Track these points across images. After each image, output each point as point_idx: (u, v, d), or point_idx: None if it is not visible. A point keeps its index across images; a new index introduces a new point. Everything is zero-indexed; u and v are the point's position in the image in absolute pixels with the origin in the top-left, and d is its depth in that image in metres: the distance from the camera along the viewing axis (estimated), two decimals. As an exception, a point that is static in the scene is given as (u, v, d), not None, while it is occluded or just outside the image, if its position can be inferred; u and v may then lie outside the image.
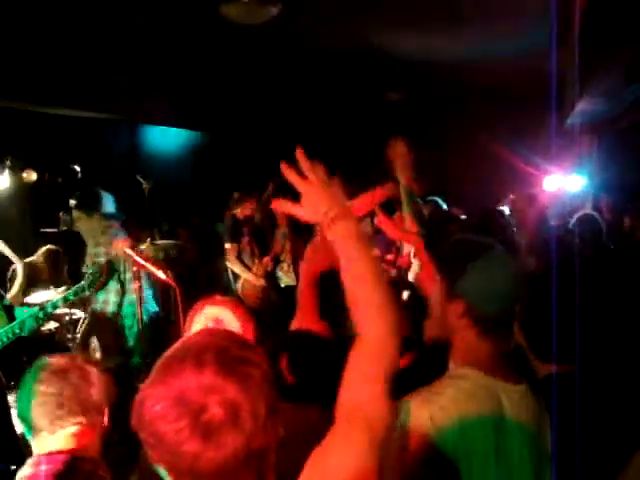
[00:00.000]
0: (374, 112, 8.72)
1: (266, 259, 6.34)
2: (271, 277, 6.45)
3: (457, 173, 8.33)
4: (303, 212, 1.40)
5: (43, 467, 1.72)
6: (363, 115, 8.81)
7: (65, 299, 3.22)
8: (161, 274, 3.41)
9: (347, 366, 1.28)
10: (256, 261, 6.27)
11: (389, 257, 5.73)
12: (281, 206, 1.44)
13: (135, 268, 3.51)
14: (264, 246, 6.50)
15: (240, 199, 6.14)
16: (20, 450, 3.09)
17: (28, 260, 5.30)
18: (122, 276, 3.83)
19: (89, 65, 6.04)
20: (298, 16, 5.43)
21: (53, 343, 5.24)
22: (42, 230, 6.94)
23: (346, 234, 1.33)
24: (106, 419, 1.92)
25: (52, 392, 1.79)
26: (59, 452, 1.77)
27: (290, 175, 1.39)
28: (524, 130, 7.58)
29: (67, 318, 5.36)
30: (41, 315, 3.11)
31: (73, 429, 1.81)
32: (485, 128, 7.87)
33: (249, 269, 6.14)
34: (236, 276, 6.16)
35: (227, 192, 6.45)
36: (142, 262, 3.45)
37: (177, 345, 1.11)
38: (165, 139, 9.13)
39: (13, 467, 2.99)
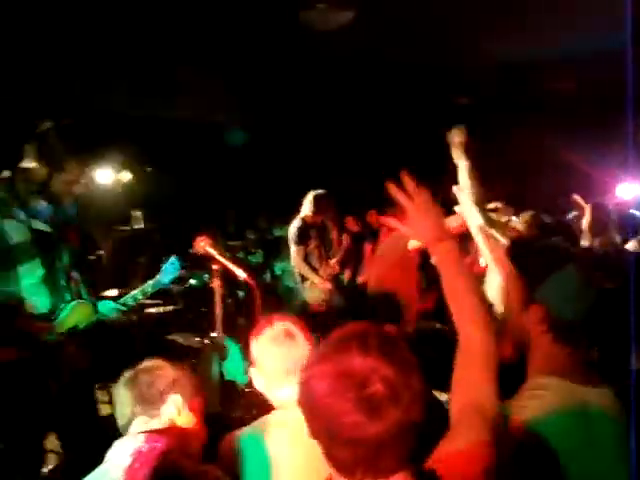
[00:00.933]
0: (442, 116, 8.64)
1: (333, 262, 6.36)
2: (337, 280, 6.47)
3: (530, 178, 8.20)
4: (407, 230, 1.57)
5: (145, 446, 1.77)
6: (431, 119, 8.75)
7: (143, 292, 3.30)
8: (241, 273, 3.46)
9: (458, 368, 1.41)
10: (323, 264, 6.29)
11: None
12: (386, 222, 1.64)
13: (216, 267, 3.56)
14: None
15: (319, 206, 6.10)
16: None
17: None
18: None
19: (186, 74, 6.20)
20: (371, 22, 5.49)
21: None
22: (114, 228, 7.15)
23: (449, 253, 1.51)
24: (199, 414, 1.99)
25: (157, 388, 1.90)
26: (159, 432, 1.83)
27: (399, 196, 1.53)
28: (600, 137, 7.40)
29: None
30: (122, 307, 3.21)
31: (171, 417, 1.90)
32: (559, 133, 7.72)
33: (316, 272, 6.16)
34: (303, 278, 6.20)
35: (290, 194, 6.47)
36: (223, 260, 3.50)
37: (341, 330, 1.26)
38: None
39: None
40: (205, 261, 6.00)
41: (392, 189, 1.53)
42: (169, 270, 3.41)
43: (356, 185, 7.24)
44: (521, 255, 1.82)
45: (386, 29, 5.79)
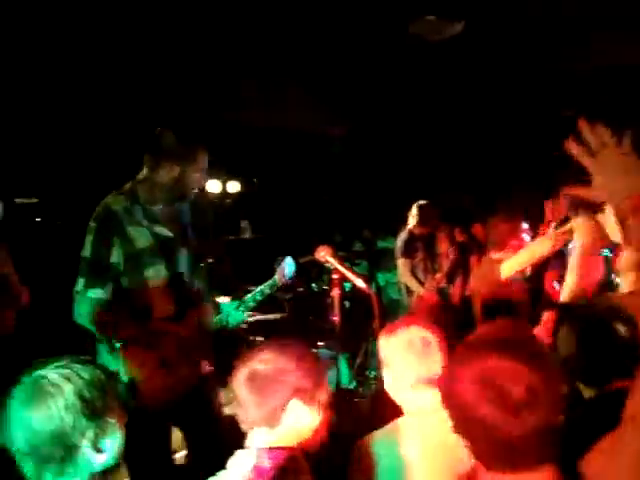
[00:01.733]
0: (547, 129, 8.43)
1: (439, 276, 6.31)
2: (442, 293, 6.41)
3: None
4: (595, 194, 1.29)
5: (267, 462, 1.76)
6: (536, 131, 8.55)
7: (262, 292, 3.35)
8: (361, 282, 3.49)
9: None
10: (429, 277, 6.25)
11: None
12: (571, 191, 1.33)
13: (336, 276, 3.62)
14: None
15: (423, 217, 6.10)
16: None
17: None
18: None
19: (295, 85, 6.33)
20: (480, 33, 5.44)
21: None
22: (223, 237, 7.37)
23: None
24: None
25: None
26: (281, 448, 1.81)
27: (575, 150, 1.27)
28: None
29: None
30: (242, 308, 3.29)
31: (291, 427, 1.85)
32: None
33: (422, 284, 6.14)
34: (408, 291, 6.20)
35: (396, 205, 6.48)
36: (343, 270, 3.55)
37: (480, 333, 1.33)
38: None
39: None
40: (314, 269, 6.14)
41: (568, 144, 1.25)
42: (286, 269, 3.44)
43: (463, 197, 7.16)
44: None
45: (494, 41, 5.73)
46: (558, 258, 4.73)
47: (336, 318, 3.68)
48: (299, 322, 6.11)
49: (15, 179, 5.91)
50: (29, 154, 5.80)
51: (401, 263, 6.16)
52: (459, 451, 1.94)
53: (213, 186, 7.60)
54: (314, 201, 6.79)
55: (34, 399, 1.54)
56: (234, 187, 7.67)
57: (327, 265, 3.59)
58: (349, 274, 3.55)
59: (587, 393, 2.04)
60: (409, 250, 6.15)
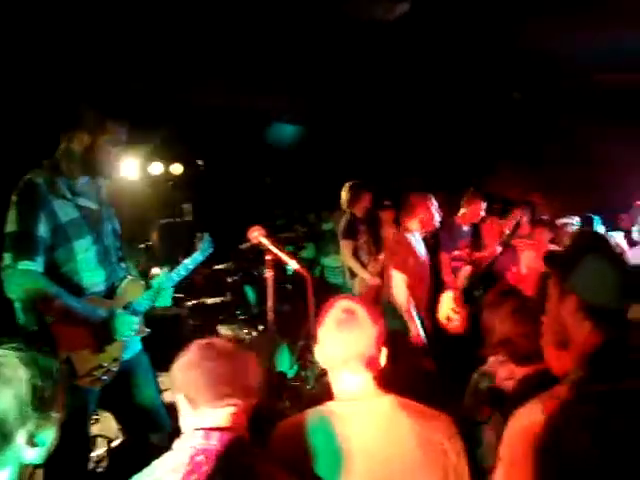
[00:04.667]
0: (495, 112, 8.48)
1: (382, 257, 6.28)
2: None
3: (580, 178, 7.98)
4: None
5: (214, 442, 1.75)
6: (483, 115, 8.60)
7: (186, 268, 3.26)
8: (294, 264, 3.43)
9: None
10: (372, 260, 6.20)
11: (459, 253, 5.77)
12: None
13: (269, 257, 3.55)
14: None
15: (356, 195, 6.09)
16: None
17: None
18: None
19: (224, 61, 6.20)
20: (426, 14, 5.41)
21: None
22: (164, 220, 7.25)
23: None
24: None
25: (221, 372, 1.84)
26: (226, 429, 1.80)
27: None
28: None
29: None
30: (176, 277, 3.21)
31: (232, 409, 1.85)
32: (615, 130, 7.49)
33: (365, 267, 6.08)
34: (352, 274, 6.14)
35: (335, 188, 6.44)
36: (276, 251, 3.48)
37: None
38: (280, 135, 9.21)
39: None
40: (256, 253, 6.07)
41: None
42: (204, 247, 3.39)
43: (407, 179, 7.16)
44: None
45: (440, 23, 5.70)
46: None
47: (270, 301, 3.60)
48: (240, 306, 6.05)
49: None
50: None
51: (344, 245, 6.09)
52: (393, 439, 1.91)
53: (156, 168, 7.45)
54: (257, 184, 6.69)
55: None
56: (177, 169, 7.53)
57: (261, 247, 3.53)
58: (282, 255, 3.49)
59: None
60: (351, 232, 6.09)
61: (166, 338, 3.60)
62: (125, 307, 2.99)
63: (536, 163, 8.06)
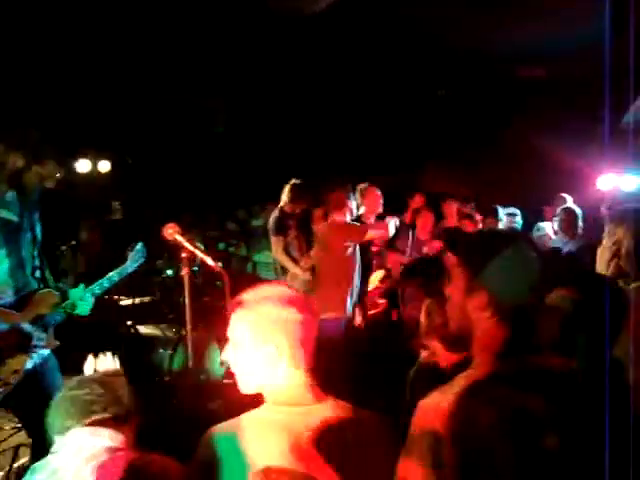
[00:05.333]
0: (422, 108, 8.59)
1: (313, 252, 6.28)
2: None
3: (506, 173, 8.18)
4: None
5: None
6: (410, 111, 8.69)
7: (110, 280, 3.25)
8: (210, 261, 3.41)
9: None
10: (303, 255, 6.20)
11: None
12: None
13: (184, 254, 3.51)
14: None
15: (296, 196, 6.06)
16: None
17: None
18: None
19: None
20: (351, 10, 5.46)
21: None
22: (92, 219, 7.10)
23: None
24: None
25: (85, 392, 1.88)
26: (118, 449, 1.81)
27: None
28: (577, 128, 7.38)
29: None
30: (97, 290, 3.17)
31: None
32: (537, 126, 7.70)
33: (296, 263, 6.08)
34: (284, 269, 6.14)
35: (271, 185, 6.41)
36: (191, 248, 3.45)
37: None
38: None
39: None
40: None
41: None
42: (135, 257, 3.39)
43: (338, 177, 7.20)
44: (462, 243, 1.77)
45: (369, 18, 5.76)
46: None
47: (187, 298, 3.55)
48: (168, 305, 5.97)
49: None
50: None
51: (274, 241, 6.08)
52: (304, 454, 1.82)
53: (83, 165, 7.30)
54: (188, 181, 6.62)
55: None
56: (105, 166, 7.38)
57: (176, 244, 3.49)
58: (198, 252, 3.46)
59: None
60: (281, 228, 6.08)
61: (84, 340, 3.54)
62: (35, 319, 2.93)
63: (463, 159, 8.21)
